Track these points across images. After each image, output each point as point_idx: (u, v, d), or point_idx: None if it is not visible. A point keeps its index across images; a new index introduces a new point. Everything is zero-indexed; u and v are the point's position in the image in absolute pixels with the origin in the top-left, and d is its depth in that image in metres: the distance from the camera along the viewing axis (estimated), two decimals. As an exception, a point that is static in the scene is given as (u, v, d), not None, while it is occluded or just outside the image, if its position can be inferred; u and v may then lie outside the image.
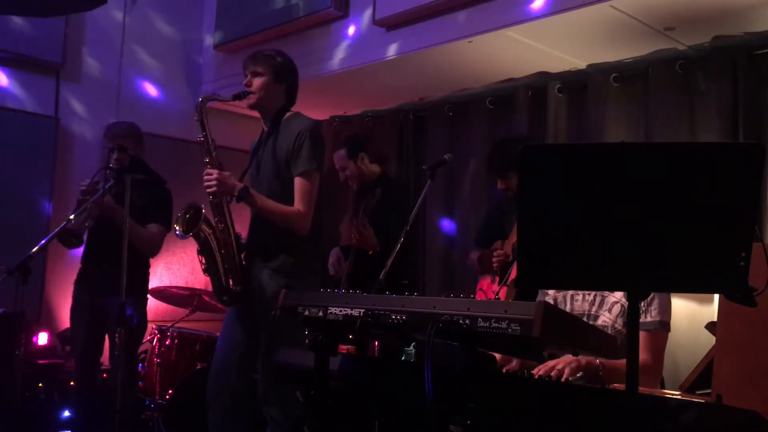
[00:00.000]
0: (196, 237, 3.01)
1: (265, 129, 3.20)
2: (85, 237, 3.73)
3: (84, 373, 3.86)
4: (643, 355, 2.25)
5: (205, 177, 3.02)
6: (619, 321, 2.36)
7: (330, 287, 4.02)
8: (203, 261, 3.06)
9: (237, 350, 3.09)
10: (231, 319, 3.16)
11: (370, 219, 4.05)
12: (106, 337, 3.85)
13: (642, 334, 2.23)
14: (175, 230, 3.03)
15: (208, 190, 3.00)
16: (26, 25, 4.74)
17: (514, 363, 2.48)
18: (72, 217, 3.44)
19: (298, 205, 3.01)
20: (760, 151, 1.31)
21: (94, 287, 3.78)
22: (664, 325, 2.34)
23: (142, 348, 4.42)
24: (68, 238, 3.50)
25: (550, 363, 2.19)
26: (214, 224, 3.05)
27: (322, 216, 3.27)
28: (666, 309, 2.35)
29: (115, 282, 3.57)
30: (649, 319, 2.31)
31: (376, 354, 3.24)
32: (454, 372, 1.57)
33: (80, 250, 3.86)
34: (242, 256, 3.11)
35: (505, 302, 1.54)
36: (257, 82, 3.11)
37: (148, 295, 3.94)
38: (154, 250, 3.90)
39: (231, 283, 3.05)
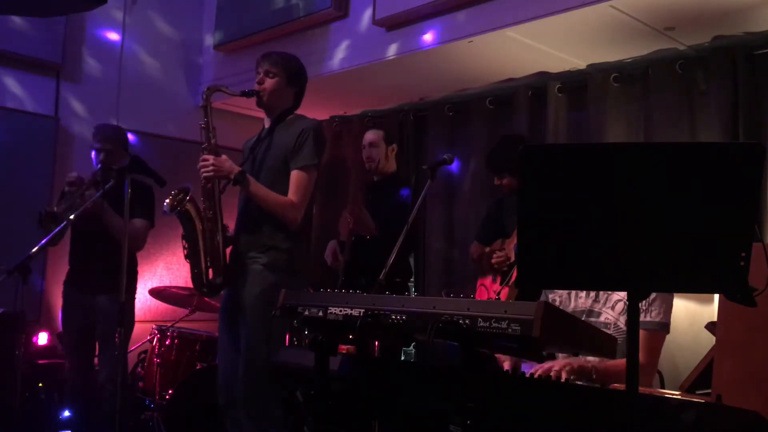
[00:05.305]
0: (180, 215, 3.01)
1: (266, 127, 3.21)
2: (69, 235, 3.76)
3: (79, 374, 3.85)
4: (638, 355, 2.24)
5: (201, 162, 3.02)
6: (622, 319, 2.36)
7: (325, 278, 4.05)
8: (186, 246, 3.06)
9: (237, 350, 3.08)
10: (225, 323, 3.14)
11: (368, 206, 4.06)
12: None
13: (640, 333, 2.23)
14: (164, 206, 3.05)
15: (204, 174, 3.00)
16: (26, 25, 4.74)
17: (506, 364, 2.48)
18: (55, 208, 3.47)
19: (292, 196, 3.02)
20: (760, 151, 1.31)
21: (85, 286, 3.78)
22: (663, 326, 2.34)
23: (141, 348, 4.43)
24: (48, 222, 3.47)
25: (546, 365, 2.19)
26: (202, 210, 3.05)
27: (320, 214, 3.26)
28: (667, 310, 2.35)
29: (105, 280, 3.56)
30: (648, 318, 2.31)
31: (376, 354, 3.24)
32: (454, 372, 1.57)
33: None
34: (228, 250, 3.10)
35: (505, 302, 1.54)
36: (270, 82, 3.12)
37: (149, 295, 3.94)
38: (139, 243, 3.90)
39: (211, 273, 3.05)
